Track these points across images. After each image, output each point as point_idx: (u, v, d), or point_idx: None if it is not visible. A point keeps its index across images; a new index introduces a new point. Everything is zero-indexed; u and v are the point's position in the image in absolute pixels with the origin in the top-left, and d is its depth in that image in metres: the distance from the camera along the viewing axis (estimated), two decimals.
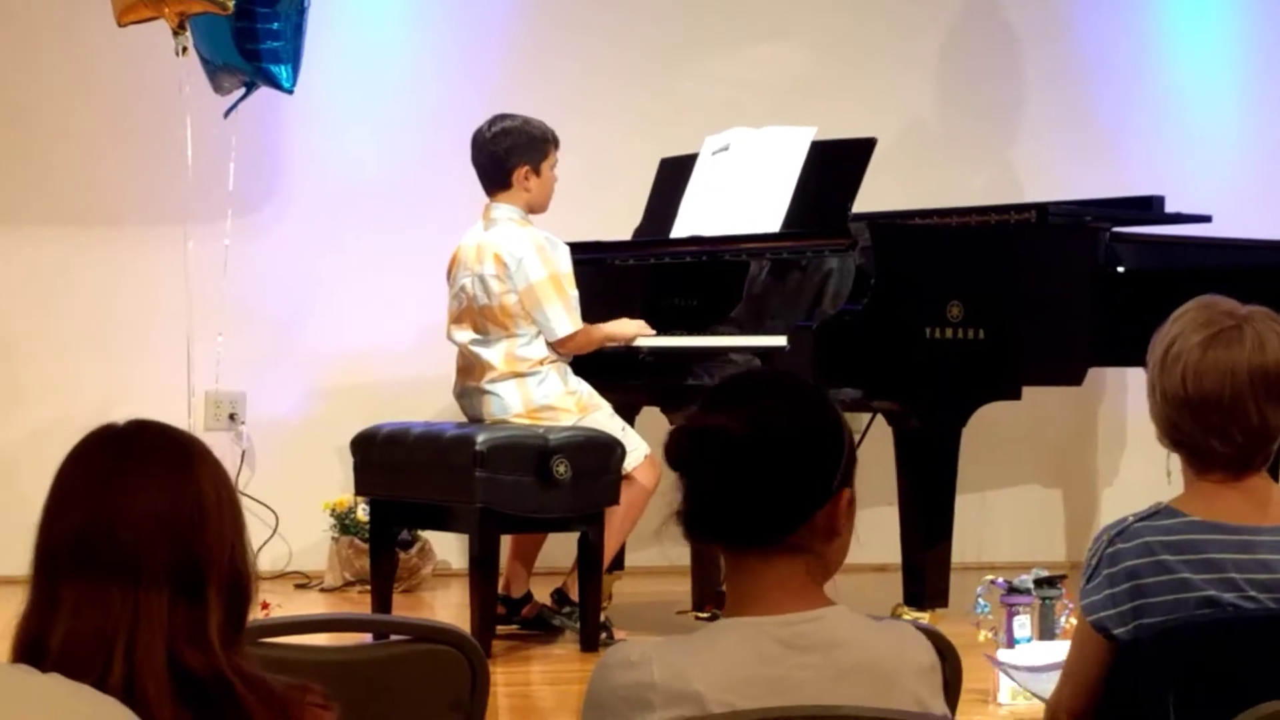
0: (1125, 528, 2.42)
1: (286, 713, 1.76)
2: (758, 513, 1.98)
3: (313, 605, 5.94)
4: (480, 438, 4.88)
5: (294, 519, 6.44)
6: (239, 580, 1.78)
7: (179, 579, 1.73)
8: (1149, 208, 5.64)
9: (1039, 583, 4.42)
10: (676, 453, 1.99)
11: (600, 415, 5.18)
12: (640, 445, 5.19)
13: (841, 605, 2.00)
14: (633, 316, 5.37)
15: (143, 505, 1.74)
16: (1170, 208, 5.64)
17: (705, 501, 2.00)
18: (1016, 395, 5.22)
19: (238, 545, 1.78)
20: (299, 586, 6.32)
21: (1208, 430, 2.41)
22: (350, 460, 5.28)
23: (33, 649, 1.72)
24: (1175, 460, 2.51)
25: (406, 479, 5.10)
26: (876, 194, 5.55)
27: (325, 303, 6.60)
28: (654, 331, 5.35)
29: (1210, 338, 2.41)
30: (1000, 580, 4.47)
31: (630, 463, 5.10)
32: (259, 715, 1.73)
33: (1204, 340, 2.41)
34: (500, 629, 5.10)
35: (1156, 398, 2.45)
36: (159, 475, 1.76)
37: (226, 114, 5.89)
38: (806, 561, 1.99)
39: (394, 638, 2.43)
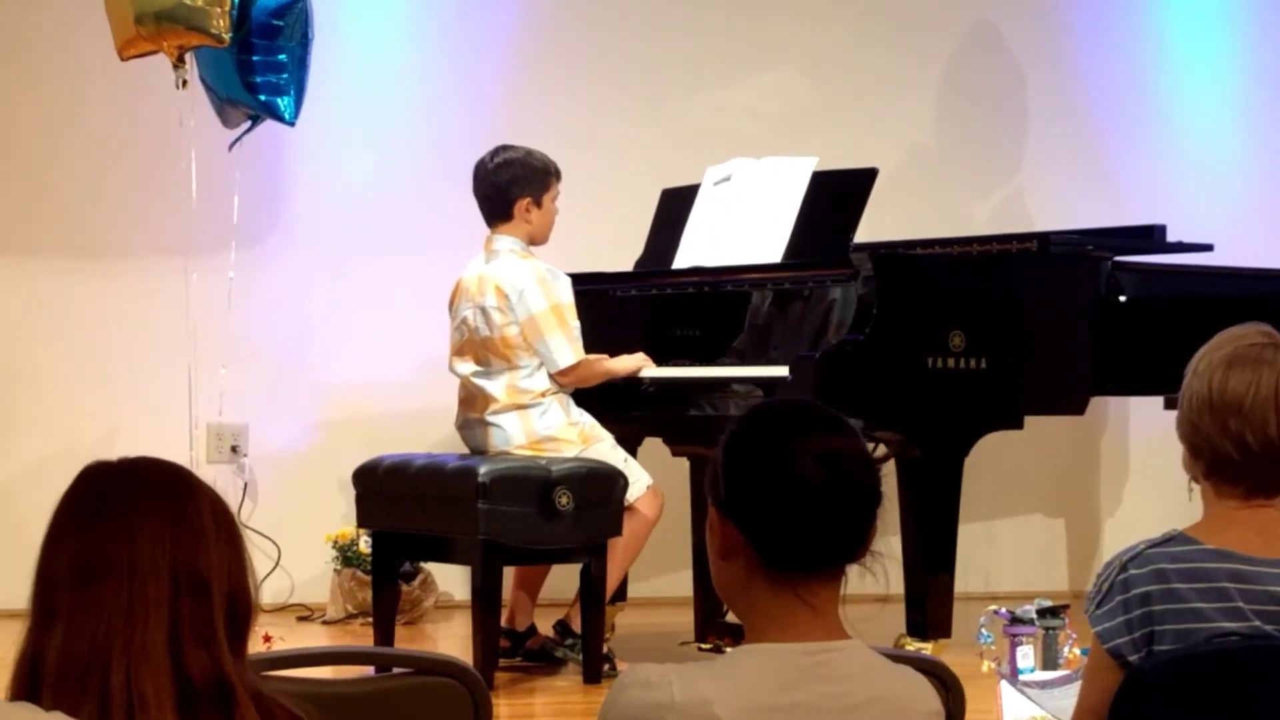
0: (1138, 553, 2.43)
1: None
2: (865, 531, 2.01)
3: (315, 638, 5.93)
4: (482, 469, 4.88)
5: (296, 551, 6.43)
6: (239, 596, 1.78)
7: (179, 581, 1.74)
8: (1150, 237, 5.63)
9: (1042, 613, 4.42)
10: (822, 473, 1.97)
11: (602, 446, 5.18)
12: (643, 476, 5.19)
13: (858, 639, 2.02)
14: (634, 348, 5.37)
15: (143, 532, 1.74)
16: (1172, 237, 5.64)
17: (834, 521, 1.98)
18: (1019, 425, 5.21)
19: (235, 564, 1.79)
20: (301, 619, 6.32)
21: (1224, 434, 2.45)
22: (352, 492, 5.28)
23: (31, 670, 1.72)
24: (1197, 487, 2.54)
25: (409, 511, 5.10)
26: (879, 224, 5.55)
27: (327, 335, 6.60)
28: (654, 365, 5.35)
29: (1246, 347, 2.48)
30: (1003, 610, 4.46)
31: (633, 494, 5.09)
32: None
33: (1239, 350, 2.48)
34: (503, 661, 5.09)
35: (1183, 405, 2.50)
36: (156, 503, 1.77)
37: (231, 146, 5.90)
38: (839, 586, 2.03)
39: (396, 670, 2.42)
